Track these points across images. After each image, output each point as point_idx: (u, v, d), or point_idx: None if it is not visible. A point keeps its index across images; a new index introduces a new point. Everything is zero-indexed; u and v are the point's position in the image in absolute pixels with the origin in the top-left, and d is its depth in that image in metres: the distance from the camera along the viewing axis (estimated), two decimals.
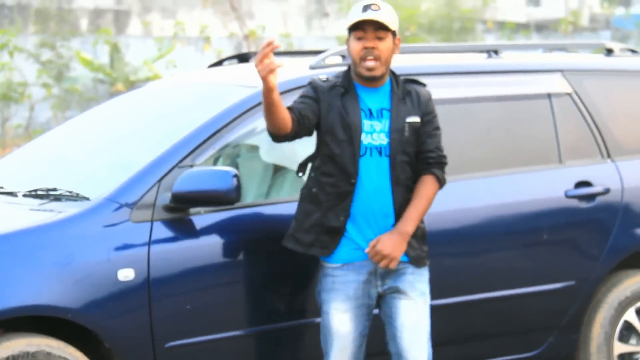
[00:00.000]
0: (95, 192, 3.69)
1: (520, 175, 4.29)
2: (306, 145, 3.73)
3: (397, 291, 3.58)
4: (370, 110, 3.58)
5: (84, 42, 15.36)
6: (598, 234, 4.35)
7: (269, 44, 3.38)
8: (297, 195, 3.91)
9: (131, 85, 13.86)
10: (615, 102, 4.62)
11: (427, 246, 3.65)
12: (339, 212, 3.54)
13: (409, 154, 3.59)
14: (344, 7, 10.56)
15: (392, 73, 3.64)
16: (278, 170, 4.14)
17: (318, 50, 4.78)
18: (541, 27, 15.93)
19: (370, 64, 3.53)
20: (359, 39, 3.53)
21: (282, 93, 3.91)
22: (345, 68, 3.67)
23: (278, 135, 3.51)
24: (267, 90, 3.39)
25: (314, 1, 20.43)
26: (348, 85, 3.60)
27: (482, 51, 4.63)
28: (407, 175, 3.59)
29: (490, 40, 15.40)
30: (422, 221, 3.63)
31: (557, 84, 4.49)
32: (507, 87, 4.41)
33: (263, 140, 4.01)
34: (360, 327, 3.59)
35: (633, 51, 4.92)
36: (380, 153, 3.56)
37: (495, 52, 4.56)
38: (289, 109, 3.52)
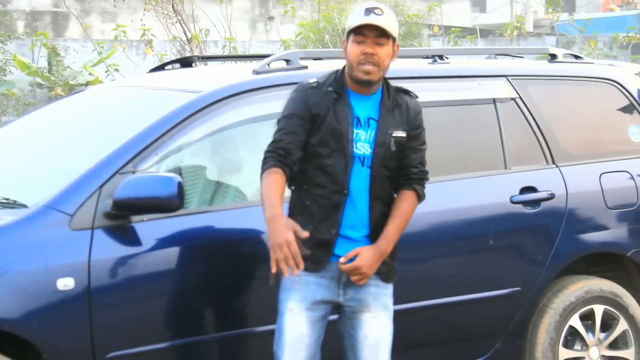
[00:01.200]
0: (33, 199, 3.65)
1: (466, 181, 4.33)
2: (251, 152, 3.71)
3: (360, 303, 3.54)
4: (358, 119, 3.52)
5: (20, 45, 15.16)
6: (543, 239, 4.40)
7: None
8: (240, 202, 3.91)
9: (70, 89, 13.70)
10: (560, 107, 4.68)
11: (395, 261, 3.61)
12: (330, 224, 3.48)
13: (390, 168, 3.54)
14: (289, 10, 10.56)
15: (385, 81, 3.57)
16: (222, 176, 4.13)
17: (262, 54, 4.78)
18: (487, 33, 16.12)
19: (368, 67, 3.45)
20: (359, 42, 3.47)
21: (225, 98, 3.93)
22: (334, 69, 3.58)
23: None
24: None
25: (258, 5, 20.41)
26: (340, 90, 3.52)
27: (427, 56, 4.66)
28: (386, 188, 3.55)
29: (436, 45, 15.54)
30: None
31: (502, 89, 4.54)
32: (453, 92, 4.45)
33: (206, 146, 4.01)
34: (315, 333, 3.51)
35: (576, 57, 5.01)
36: (362, 163, 3.51)
37: (441, 57, 4.60)
38: (283, 161, 3.41)
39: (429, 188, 4.04)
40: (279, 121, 3.54)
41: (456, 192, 4.29)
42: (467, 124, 4.47)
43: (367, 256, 3.47)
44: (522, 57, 5.15)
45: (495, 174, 4.39)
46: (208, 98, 3.92)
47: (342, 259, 3.48)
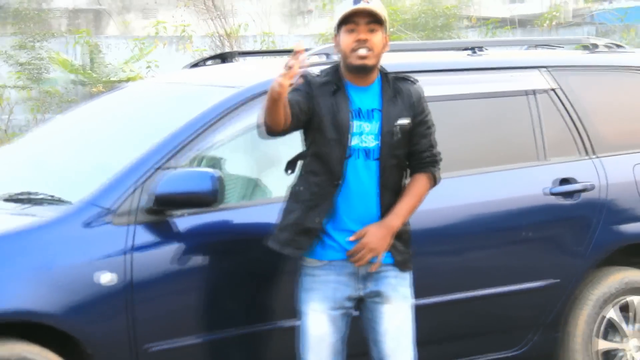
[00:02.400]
0: (77, 196, 3.68)
1: (504, 173, 4.31)
2: (290, 147, 3.73)
3: (379, 295, 3.53)
4: (359, 110, 3.51)
5: (62, 43, 15.31)
6: (581, 231, 4.37)
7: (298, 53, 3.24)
8: (279, 197, 3.92)
9: (111, 86, 13.82)
10: (599, 98, 4.64)
11: (411, 249, 3.60)
12: (317, 212, 3.49)
13: (398, 156, 3.53)
14: (326, 3, 10.56)
15: (382, 71, 3.57)
16: (261, 171, 4.15)
17: None
18: (524, 23, 15.99)
19: (362, 51, 3.43)
20: (351, 31, 3.46)
21: (264, 93, 3.93)
22: (332, 64, 3.59)
23: (273, 131, 3.41)
24: (280, 93, 3.27)
25: None
26: (339, 82, 3.52)
27: (464, 48, 4.64)
28: (395, 178, 3.54)
29: (473, 37, 15.44)
30: (408, 223, 3.58)
31: (541, 81, 4.50)
32: (491, 84, 4.42)
33: (246, 141, 4.02)
34: (338, 332, 3.51)
35: (617, 46, 4.95)
36: (367, 155, 3.50)
37: (478, 49, 4.57)
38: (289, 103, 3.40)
39: (468, 180, 4.04)
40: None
41: (494, 184, 4.27)
42: (505, 116, 4.45)
43: (373, 231, 3.43)
44: (562, 47, 5.11)
45: (534, 165, 4.37)
46: (247, 93, 3.93)
47: (351, 238, 3.45)
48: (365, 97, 3.54)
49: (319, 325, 3.49)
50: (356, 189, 3.50)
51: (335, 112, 3.48)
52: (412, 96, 3.55)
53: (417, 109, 3.55)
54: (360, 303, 3.58)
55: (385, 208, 3.52)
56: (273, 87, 3.30)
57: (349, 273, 3.52)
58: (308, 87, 3.50)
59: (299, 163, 3.60)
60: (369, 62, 3.47)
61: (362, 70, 3.50)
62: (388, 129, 3.50)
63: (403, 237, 3.55)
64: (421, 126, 3.56)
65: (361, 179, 3.50)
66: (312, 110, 3.49)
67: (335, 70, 3.56)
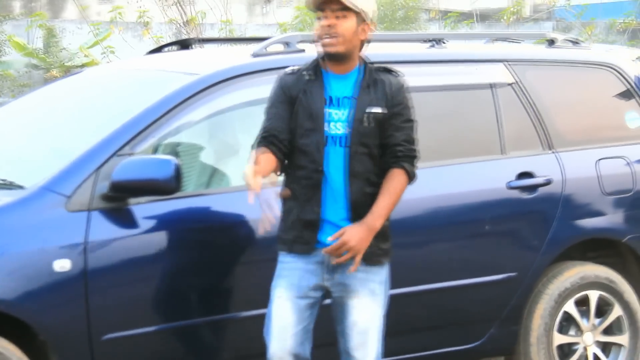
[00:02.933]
0: (31, 181, 3.64)
1: (463, 166, 4.32)
2: (250, 135, 3.71)
3: (346, 288, 3.53)
4: (331, 98, 3.51)
5: (17, 26, 15.10)
6: (539, 225, 4.40)
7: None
8: (238, 185, 3.90)
9: (67, 71, 13.66)
10: (558, 93, 4.67)
11: (389, 244, 3.59)
12: (313, 204, 3.48)
13: (368, 145, 3.51)
14: None
15: (364, 61, 3.55)
16: (219, 159, 4.12)
17: (260, 37, 4.76)
18: (484, 18, 16.09)
19: (326, 40, 3.45)
20: (320, 19, 3.48)
21: (223, 81, 3.92)
22: (314, 56, 3.58)
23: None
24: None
25: None
26: (314, 72, 3.53)
27: (425, 40, 4.65)
28: (367, 167, 3.52)
29: (434, 30, 15.50)
30: (386, 219, 3.55)
31: (500, 74, 4.53)
32: (451, 76, 4.44)
33: (204, 128, 4.00)
34: (302, 322, 3.51)
35: (575, 42, 4.99)
36: (335, 143, 3.49)
37: (439, 41, 4.58)
38: (270, 142, 3.45)
39: (426, 173, 4.04)
40: (265, 111, 3.56)
41: (453, 177, 4.29)
42: (464, 109, 4.46)
43: (353, 231, 3.43)
44: (521, 42, 5.14)
45: (493, 159, 4.39)
46: (206, 80, 3.91)
47: (329, 238, 3.45)
48: (341, 84, 3.54)
49: (283, 313, 3.49)
50: (331, 176, 3.51)
51: (309, 102, 3.50)
52: (390, 87, 3.54)
53: (394, 100, 3.54)
54: (328, 294, 3.57)
55: (354, 196, 3.50)
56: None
57: (317, 262, 3.51)
58: (281, 94, 3.52)
59: (286, 163, 3.56)
60: (334, 49, 3.48)
61: (333, 58, 3.50)
62: (358, 116, 3.50)
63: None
64: (396, 118, 3.54)
65: (333, 165, 3.50)
66: (291, 107, 3.51)
67: (314, 61, 3.57)
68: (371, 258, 3.53)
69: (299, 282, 3.51)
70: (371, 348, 3.53)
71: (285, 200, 3.54)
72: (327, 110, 3.50)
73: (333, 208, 3.51)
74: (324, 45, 3.47)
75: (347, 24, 3.47)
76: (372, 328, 3.52)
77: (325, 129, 3.49)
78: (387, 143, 3.53)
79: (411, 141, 3.56)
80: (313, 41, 3.54)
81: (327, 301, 3.60)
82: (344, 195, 3.50)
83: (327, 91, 3.52)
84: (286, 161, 3.55)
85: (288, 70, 3.57)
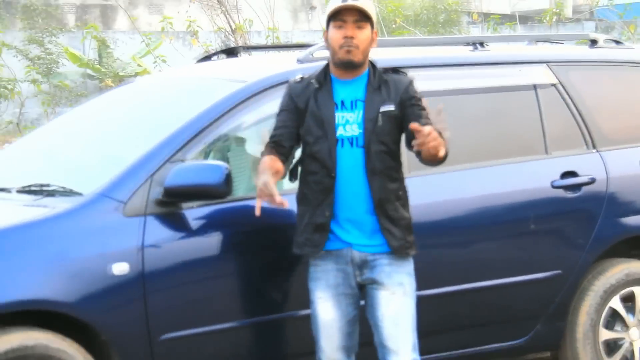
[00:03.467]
0: (88, 188, 3.69)
1: (507, 166, 4.31)
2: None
3: (375, 282, 3.58)
4: (342, 102, 3.56)
5: (71, 38, 15.33)
6: (584, 223, 4.37)
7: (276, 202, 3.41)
8: (287, 188, 3.93)
9: (120, 80, 13.83)
10: (600, 93, 4.64)
11: (413, 236, 3.63)
12: (324, 208, 3.54)
13: (386, 143, 3.56)
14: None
15: (372, 65, 3.61)
16: None
17: (305, 43, 4.79)
18: (525, 19, 15.98)
19: (348, 48, 3.50)
20: (339, 27, 3.52)
21: (270, 87, 3.95)
22: (323, 63, 3.64)
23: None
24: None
25: None
26: (324, 79, 3.58)
27: (467, 43, 4.64)
28: (387, 164, 3.57)
29: (476, 33, 15.41)
30: (407, 211, 3.62)
31: (542, 76, 4.50)
32: (494, 78, 4.42)
33: (253, 133, 4.03)
34: (346, 315, 3.58)
35: (617, 42, 4.95)
36: (351, 144, 3.54)
37: (481, 44, 4.57)
38: (275, 146, 3.53)
39: (472, 173, 4.06)
40: (275, 118, 3.63)
41: (498, 178, 4.27)
42: (508, 110, 4.44)
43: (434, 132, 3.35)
44: (563, 43, 5.11)
45: (537, 159, 4.37)
46: (254, 87, 3.94)
47: (413, 125, 3.35)
48: (351, 88, 3.59)
49: (326, 312, 3.58)
50: (347, 177, 3.55)
51: (319, 110, 3.55)
52: (398, 85, 3.59)
53: (405, 95, 3.57)
54: (363, 289, 3.63)
55: (377, 194, 3.54)
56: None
57: (346, 261, 3.58)
58: (290, 102, 3.59)
59: (300, 170, 3.64)
60: (355, 57, 3.53)
61: (349, 66, 3.56)
62: (370, 116, 3.54)
63: (400, 223, 3.58)
64: (412, 108, 3.57)
65: (349, 167, 3.55)
66: (299, 123, 3.57)
67: (323, 68, 3.62)
68: (401, 251, 3.57)
69: (335, 281, 3.58)
70: (404, 338, 3.56)
71: (298, 205, 3.61)
72: (339, 114, 3.55)
73: (352, 205, 3.54)
74: (346, 52, 3.51)
75: (365, 34, 3.53)
76: (403, 318, 3.56)
77: (340, 132, 3.53)
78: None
79: (430, 124, 3.53)
80: (332, 50, 3.55)
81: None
82: (366, 193, 3.54)
83: (337, 95, 3.57)
84: (299, 168, 3.62)
85: (297, 78, 3.63)
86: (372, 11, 3.56)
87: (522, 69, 4.49)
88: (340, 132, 3.55)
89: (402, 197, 3.62)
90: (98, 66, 14.63)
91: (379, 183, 3.55)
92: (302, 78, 3.63)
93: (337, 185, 3.54)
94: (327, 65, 3.63)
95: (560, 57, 4.65)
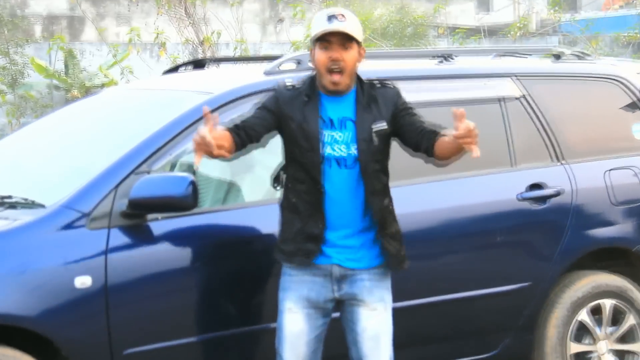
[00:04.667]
0: (51, 200, 3.63)
1: (475, 179, 4.29)
2: (265, 151, 3.70)
3: (355, 298, 3.53)
4: (331, 121, 3.50)
5: (38, 49, 15.17)
6: (551, 235, 4.37)
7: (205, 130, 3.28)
8: (253, 201, 3.89)
9: (87, 91, 13.71)
10: (565, 105, 4.65)
11: (404, 248, 3.59)
12: (317, 219, 3.48)
13: (380, 161, 3.53)
14: (297, 12, 10.55)
15: (359, 79, 3.56)
16: (234, 175, 4.11)
17: (273, 55, 4.76)
18: (492, 33, 16.08)
19: (335, 78, 3.45)
20: (325, 48, 3.47)
21: (237, 99, 3.91)
22: (310, 73, 3.59)
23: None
24: (205, 149, 3.31)
25: (268, 7, 20.40)
26: (312, 93, 3.52)
27: (434, 56, 4.63)
28: (383, 182, 3.54)
29: (442, 46, 15.49)
30: (396, 222, 3.58)
31: (508, 88, 4.50)
32: (460, 91, 4.42)
33: None
34: (315, 330, 3.52)
35: (580, 56, 4.96)
36: (339, 164, 3.49)
37: (448, 57, 4.56)
38: (234, 129, 3.43)
39: (439, 185, 4.02)
40: (251, 108, 3.56)
41: (465, 190, 4.26)
42: (475, 123, 4.42)
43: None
44: (528, 57, 5.12)
45: (503, 171, 4.36)
46: (221, 99, 3.90)
47: (460, 123, 3.34)
48: (339, 106, 3.53)
49: (294, 323, 3.50)
50: (336, 196, 3.50)
51: (304, 123, 3.49)
52: (387, 99, 3.55)
53: (396, 107, 3.54)
54: (338, 304, 3.58)
55: (378, 214, 3.50)
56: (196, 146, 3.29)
57: (324, 275, 3.52)
58: (275, 104, 3.51)
59: (283, 176, 3.59)
60: (341, 86, 3.49)
61: (336, 94, 3.51)
62: (363, 136, 3.49)
63: (396, 237, 3.56)
64: (407, 115, 3.54)
65: (336, 186, 3.50)
66: (278, 125, 3.50)
67: (311, 79, 3.57)
68: (397, 264, 3.55)
69: (308, 294, 3.51)
70: (383, 353, 3.52)
71: (284, 212, 3.54)
72: (327, 132, 3.49)
73: (339, 223, 3.49)
74: (333, 83, 3.46)
75: (352, 54, 3.48)
76: (382, 334, 3.53)
77: (328, 151, 3.48)
78: (412, 131, 3.52)
79: (425, 123, 3.54)
80: (314, 70, 3.51)
81: (335, 314, 3.59)
82: (355, 212, 3.49)
83: (325, 112, 3.51)
84: (283, 174, 3.55)
85: (288, 84, 3.56)
86: (359, 31, 3.49)
87: (489, 82, 4.49)
88: (328, 150, 3.48)
89: (392, 211, 3.60)
90: (64, 77, 14.50)
91: (379, 203, 3.51)
92: (292, 86, 3.55)
93: (327, 201, 3.49)
94: (314, 78, 3.55)
95: (525, 70, 4.65)
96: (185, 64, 4.95)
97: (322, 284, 3.52)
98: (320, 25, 3.46)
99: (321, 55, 3.48)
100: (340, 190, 3.49)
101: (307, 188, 3.49)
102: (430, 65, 4.55)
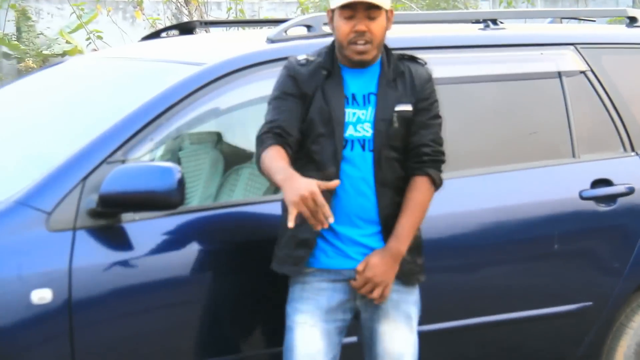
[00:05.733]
0: (2, 195, 3.65)
1: (525, 173, 4.31)
2: None
3: (379, 311, 3.59)
4: (354, 96, 3.58)
5: None
6: (620, 243, 4.39)
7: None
8: (252, 197, 3.90)
9: (44, 61, 13.75)
10: None
11: (423, 258, 3.67)
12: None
13: (397, 149, 3.59)
14: None
15: (385, 48, 3.64)
16: (229, 166, 4.13)
17: (276, 19, 4.78)
18: None
19: (360, 47, 3.53)
20: (348, 18, 3.53)
21: (234, 72, 3.93)
22: (328, 44, 3.64)
23: None
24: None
25: None
26: (331, 66, 3.59)
27: (476, 20, 4.66)
28: (397, 174, 3.60)
29: (485, 8, 15.48)
30: (418, 229, 3.63)
31: (569, 61, 4.52)
32: (509, 64, 4.44)
33: (212, 129, 4.01)
34: (332, 349, 3.57)
35: None
36: (363, 147, 3.57)
37: (494, 21, 4.59)
38: (283, 141, 3.48)
39: (481, 181, 4.03)
40: (269, 103, 3.60)
41: (513, 186, 4.28)
42: (526, 103, 4.47)
43: (376, 262, 3.52)
44: (594, 21, 5.13)
45: (561, 163, 4.38)
46: (214, 71, 3.91)
47: (354, 280, 3.52)
48: (362, 80, 3.60)
49: (309, 341, 3.53)
50: (352, 186, 3.56)
51: (324, 104, 3.54)
52: (416, 79, 3.62)
53: (421, 93, 3.61)
54: (357, 316, 3.63)
55: (384, 209, 3.57)
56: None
57: (346, 280, 3.57)
58: (295, 87, 3.57)
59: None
60: (368, 56, 3.56)
61: (361, 65, 3.57)
62: (383, 116, 3.57)
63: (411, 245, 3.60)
64: (423, 114, 3.62)
65: (358, 174, 3.56)
66: (304, 114, 3.56)
67: (328, 50, 3.62)
68: (410, 276, 3.61)
69: (328, 303, 3.56)
70: None
71: (283, 212, 3.56)
72: (349, 110, 3.57)
73: (356, 220, 3.56)
74: (358, 53, 3.53)
75: (379, 24, 3.55)
76: (407, 356, 3.59)
77: (350, 132, 3.55)
78: (411, 142, 3.60)
79: (439, 141, 3.64)
80: (339, 44, 3.57)
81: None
82: (372, 207, 3.56)
83: (347, 88, 3.58)
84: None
85: (300, 59, 3.62)
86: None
87: (544, 53, 4.51)
88: (349, 131, 3.56)
89: None
90: (16, 42, 14.55)
91: (388, 197, 3.58)
92: (307, 60, 3.61)
93: (338, 194, 3.54)
94: (332, 47, 3.62)
95: (591, 38, 4.67)
96: (168, 28, 4.99)
97: (342, 289, 3.57)
98: None
99: (343, 26, 3.54)
100: (358, 178, 3.55)
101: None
102: (471, 32, 4.57)
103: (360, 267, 3.53)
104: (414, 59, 3.67)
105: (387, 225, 3.58)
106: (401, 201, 3.60)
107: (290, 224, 3.31)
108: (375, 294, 3.52)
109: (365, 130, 3.56)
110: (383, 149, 3.56)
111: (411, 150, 3.61)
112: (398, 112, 3.57)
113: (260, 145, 3.52)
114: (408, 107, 3.58)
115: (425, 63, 3.68)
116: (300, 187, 3.31)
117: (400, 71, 3.61)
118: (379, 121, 3.56)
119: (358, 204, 3.56)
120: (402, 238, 3.55)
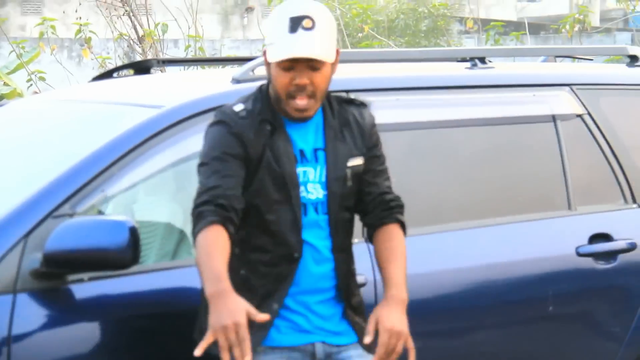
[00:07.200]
0: None
1: (517, 226, 4.34)
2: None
3: None
4: (302, 152, 3.54)
5: None
6: (621, 305, 4.41)
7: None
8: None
9: None
10: None
11: None
12: (276, 299, 3.51)
13: (350, 209, 3.59)
14: None
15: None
16: (188, 220, 4.13)
17: (240, 57, 4.81)
18: (538, 28, 16.24)
19: (301, 103, 3.46)
20: (287, 69, 3.44)
21: (195, 116, 3.95)
22: (257, 88, 3.58)
23: None
24: None
25: None
26: (274, 119, 3.52)
27: (463, 59, 4.68)
28: (348, 235, 3.61)
29: (470, 45, 15.61)
30: (359, 293, 3.63)
31: (564, 103, 4.56)
32: (498, 107, 4.47)
33: (169, 179, 4.01)
34: None
35: None
36: (316, 210, 3.54)
37: (482, 60, 4.62)
38: (224, 216, 3.37)
39: (468, 235, 4.04)
40: (204, 164, 3.49)
41: (503, 242, 4.30)
42: (517, 150, 4.49)
43: (393, 316, 3.44)
44: (591, 60, 5.19)
45: (556, 216, 4.41)
46: (173, 115, 3.94)
47: (366, 340, 3.45)
48: (306, 132, 3.56)
49: None
50: (308, 254, 3.55)
51: (278, 163, 3.50)
52: (363, 125, 3.60)
53: (370, 141, 3.61)
54: None
55: (342, 275, 3.57)
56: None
57: (303, 354, 3.55)
58: (240, 146, 3.47)
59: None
60: (310, 113, 3.49)
61: (302, 121, 3.52)
62: (336, 174, 3.54)
63: (359, 308, 3.61)
64: (375, 163, 3.62)
65: (314, 240, 3.55)
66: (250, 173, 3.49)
67: (264, 97, 3.54)
68: (373, 345, 3.55)
69: None
70: None
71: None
72: (300, 169, 3.53)
73: (312, 290, 3.55)
74: (297, 110, 3.45)
75: (324, 74, 3.46)
76: None
77: (303, 193, 3.52)
78: (369, 193, 3.59)
79: (391, 186, 3.65)
80: (277, 95, 3.49)
81: None
82: (328, 273, 3.56)
83: (295, 144, 3.53)
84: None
85: (238, 110, 3.53)
86: (332, 39, 3.47)
87: (537, 94, 4.55)
88: (302, 193, 3.53)
89: (355, 274, 3.67)
90: None
91: (345, 262, 3.58)
92: (245, 110, 3.52)
93: (300, 266, 3.53)
94: (266, 93, 3.55)
95: (588, 78, 4.72)
96: (122, 67, 4.99)
97: None
98: (279, 36, 3.43)
99: (282, 77, 3.45)
100: (314, 245, 3.54)
101: (271, 258, 3.52)
102: (457, 71, 4.60)
103: (370, 327, 3.45)
104: (354, 102, 3.62)
105: (345, 291, 3.58)
106: (352, 264, 3.60)
107: (198, 352, 3.22)
108: (400, 347, 3.43)
109: (317, 192, 3.54)
110: (338, 211, 3.55)
111: (371, 201, 3.60)
112: (351, 167, 3.55)
113: (198, 220, 3.41)
114: (360, 161, 3.57)
115: (367, 104, 3.64)
116: (227, 315, 3.23)
117: (346, 119, 3.57)
118: (332, 181, 3.53)
119: (312, 272, 3.54)
120: (400, 286, 3.51)
